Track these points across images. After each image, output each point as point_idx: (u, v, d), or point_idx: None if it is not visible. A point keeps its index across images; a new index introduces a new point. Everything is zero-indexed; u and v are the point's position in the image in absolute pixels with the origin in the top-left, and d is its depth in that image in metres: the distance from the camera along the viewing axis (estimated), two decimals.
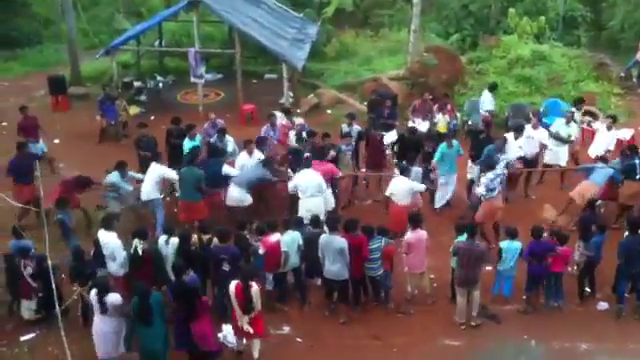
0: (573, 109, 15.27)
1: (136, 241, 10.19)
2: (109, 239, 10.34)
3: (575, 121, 14.70)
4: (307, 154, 12.91)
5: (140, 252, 10.13)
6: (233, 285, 9.28)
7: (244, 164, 13.05)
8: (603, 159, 13.37)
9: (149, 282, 9.62)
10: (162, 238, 10.53)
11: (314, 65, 22.09)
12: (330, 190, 12.53)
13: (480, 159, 12.95)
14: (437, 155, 13.40)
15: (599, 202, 12.64)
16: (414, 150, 13.95)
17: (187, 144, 13.67)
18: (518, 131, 13.82)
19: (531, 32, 21.34)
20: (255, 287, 9.26)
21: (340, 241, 10.26)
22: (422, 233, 10.73)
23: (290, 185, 12.23)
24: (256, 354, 9.66)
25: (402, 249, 10.80)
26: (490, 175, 12.07)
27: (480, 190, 12.18)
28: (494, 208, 12.18)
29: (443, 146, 13.43)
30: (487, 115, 16.18)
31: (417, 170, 13.13)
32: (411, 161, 13.54)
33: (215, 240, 10.40)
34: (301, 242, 10.62)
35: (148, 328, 8.89)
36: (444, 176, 13.53)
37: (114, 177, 12.39)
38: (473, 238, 10.40)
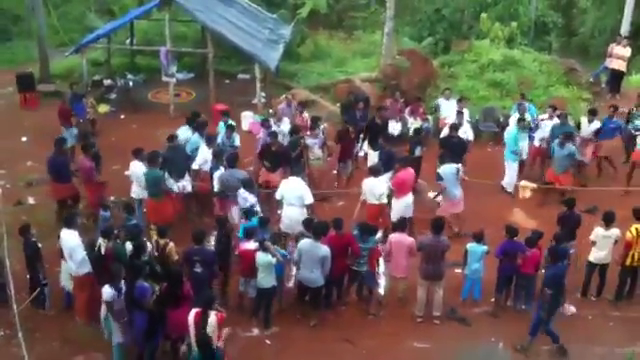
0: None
1: (100, 240, 10.04)
2: (69, 237, 10.11)
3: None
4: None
5: (103, 251, 9.96)
6: (193, 313, 8.78)
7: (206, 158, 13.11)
8: None
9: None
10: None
11: (288, 66, 22.01)
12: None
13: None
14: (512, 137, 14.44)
15: None
16: (380, 134, 14.50)
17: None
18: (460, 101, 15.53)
19: (503, 37, 21.56)
20: (213, 317, 8.67)
21: (324, 250, 10.14)
22: (405, 238, 10.65)
23: (278, 194, 11.99)
24: None
25: (385, 247, 10.82)
26: None
27: None
28: None
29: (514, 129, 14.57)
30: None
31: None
32: (375, 145, 14.10)
33: (171, 245, 10.28)
34: (274, 262, 10.23)
35: None
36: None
37: None
38: (439, 234, 10.45)
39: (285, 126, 14.53)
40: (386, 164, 13.14)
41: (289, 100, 16.26)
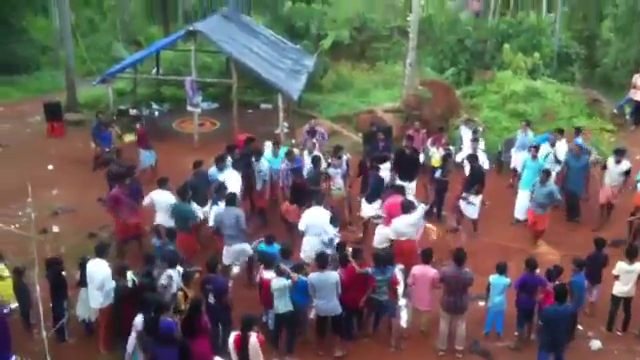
0: None
1: (130, 273, 10.04)
2: (100, 268, 10.12)
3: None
4: None
5: (136, 284, 9.96)
6: (233, 336, 9.01)
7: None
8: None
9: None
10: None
11: (310, 96, 22.19)
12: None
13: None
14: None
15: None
16: (412, 167, 14.46)
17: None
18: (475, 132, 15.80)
19: (525, 68, 21.58)
20: (254, 338, 8.87)
21: (333, 275, 10.20)
22: (429, 270, 10.55)
23: (301, 225, 12.06)
24: None
25: (409, 280, 10.75)
26: None
27: None
28: None
29: (527, 158, 14.53)
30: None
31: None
32: (408, 177, 14.07)
33: (180, 294, 10.07)
34: (289, 285, 10.21)
35: None
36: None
37: None
38: (461, 265, 10.36)
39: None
40: (375, 190, 13.22)
41: (312, 126, 16.44)
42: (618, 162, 14.19)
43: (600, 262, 11.21)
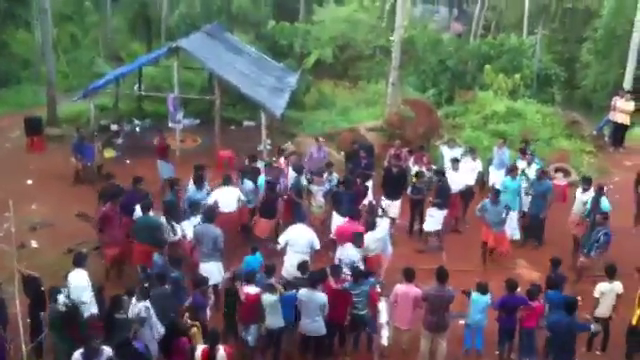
0: None
1: (62, 297, 9.64)
2: (78, 277, 10.00)
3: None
4: None
5: (62, 308, 9.57)
6: (200, 349, 8.93)
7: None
8: None
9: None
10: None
11: (293, 114, 22.24)
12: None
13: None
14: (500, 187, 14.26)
15: None
16: (397, 184, 14.56)
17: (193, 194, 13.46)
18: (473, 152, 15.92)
19: (506, 89, 21.82)
20: (222, 351, 8.87)
21: (321, 297, 10.12)
22: (411, 289, 10.42)
23: (281, 239, 12.02)
24: None
25: (391, 298, 10.67)
26: None
27: None
28: None
29: (507, 179, 14.49)
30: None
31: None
32: (394, 195, 14.26)
33: (194, 330, 9.80)
34: (278, 304, 10.17)
35: None
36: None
37: None
38: (443, 284, 10.32)
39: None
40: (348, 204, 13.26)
41: (320, 144, 16.51)
42: (585, 191, 13.81)
43: (559, 280, 11.08)
